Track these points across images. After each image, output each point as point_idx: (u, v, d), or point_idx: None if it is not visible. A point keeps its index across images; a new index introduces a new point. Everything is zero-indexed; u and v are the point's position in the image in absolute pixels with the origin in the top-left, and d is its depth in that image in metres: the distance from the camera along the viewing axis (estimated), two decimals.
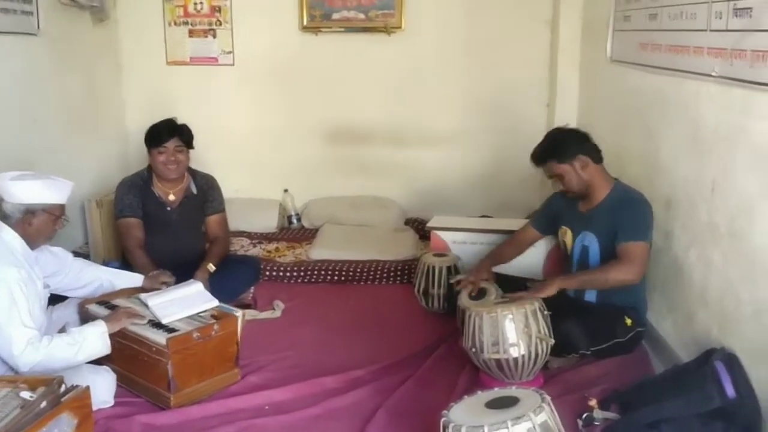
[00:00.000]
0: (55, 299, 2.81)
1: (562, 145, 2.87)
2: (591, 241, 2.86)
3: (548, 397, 1.96)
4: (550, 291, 2.67)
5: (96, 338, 2.47)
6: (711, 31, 2.55)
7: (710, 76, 2.55)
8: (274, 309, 3.43)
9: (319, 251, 4.09)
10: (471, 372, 2.75)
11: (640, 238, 2.72)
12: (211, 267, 3.25)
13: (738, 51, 2.34)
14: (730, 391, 2.21)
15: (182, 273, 3.08)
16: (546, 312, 2.61)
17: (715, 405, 2.22)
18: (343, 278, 3.85)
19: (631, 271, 2.69)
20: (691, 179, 2.75)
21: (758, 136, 2.26)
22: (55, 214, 2.54)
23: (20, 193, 2.45)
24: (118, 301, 2.85)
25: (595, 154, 2.87)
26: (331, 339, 3.15)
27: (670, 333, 2.92)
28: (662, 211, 2.98)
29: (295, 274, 3.85)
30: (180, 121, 3.43)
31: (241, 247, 4.20)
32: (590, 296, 2.87)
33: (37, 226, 2.49)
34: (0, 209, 2.46)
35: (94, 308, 2.80)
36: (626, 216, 2.77)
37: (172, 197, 3.43)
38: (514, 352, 2.53)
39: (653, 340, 2.98)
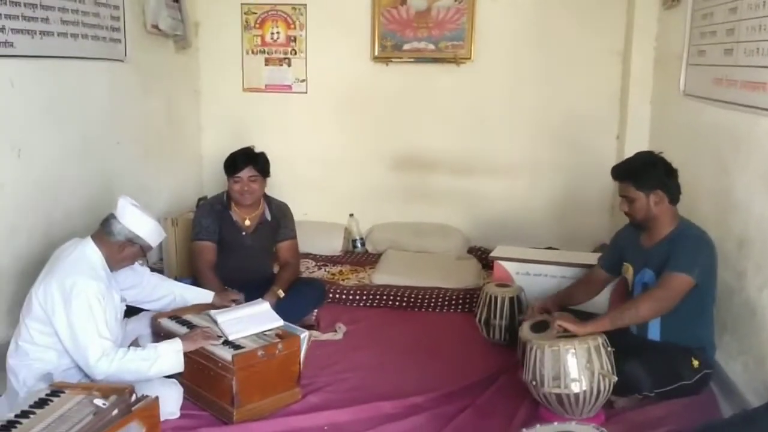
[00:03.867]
0: (128, 312, 2.93)
1: (646, 173, 2.79)
2: (650, 278, 2.80)
3: None
4: (579, 330, 2.60)
5: (171, 355, 2.57)
6: None
7: None
8: (336, 331, 3.48)
9: (381, 276, 4.14)
10: (530, 405, 2.72)
11: (683, 270, 2.63)
12: (281, 293, 3.32)
13: None
14: None
15: (250, 294, 3.17)
16: (609, 348, 2.57)
17: None
18: (404, 304, 3.88)
19: (661, 299, 2.63)
20: (765, 218, 2.68)
21: None
22: (144, 252, 2.72)
23: (134, 221, 2.62)
24: (189, 317, 2.96)
25: (674, 193, 2.79)
26: (390, 364, 3.17)
27: (740, 376, 2.82)
28: (735, 250, 2.91)
29: (357, 297, 3.91)
30: (257, 149, 3.54)
31: (306, 269, 4.30)
32: (654, 334, 2.80)
33: (127, 254, 2.65)
34: (109, 224, 2.62)
35: (166, 322, 2.92)
36: (679, 248, 2.70)
37: (248, 222, 3.54)
38: (576, 388, 2.50)
39: (722, 382, 2.88)
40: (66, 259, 2.56)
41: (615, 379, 2.52)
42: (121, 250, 2.62)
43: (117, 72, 3.79)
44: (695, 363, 2.72)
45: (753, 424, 2.28)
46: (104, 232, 2.62)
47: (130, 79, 3.94)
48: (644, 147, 4.23)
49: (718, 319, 2.88)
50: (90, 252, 2.59)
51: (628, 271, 2.95)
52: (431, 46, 4.72)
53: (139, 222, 2.62)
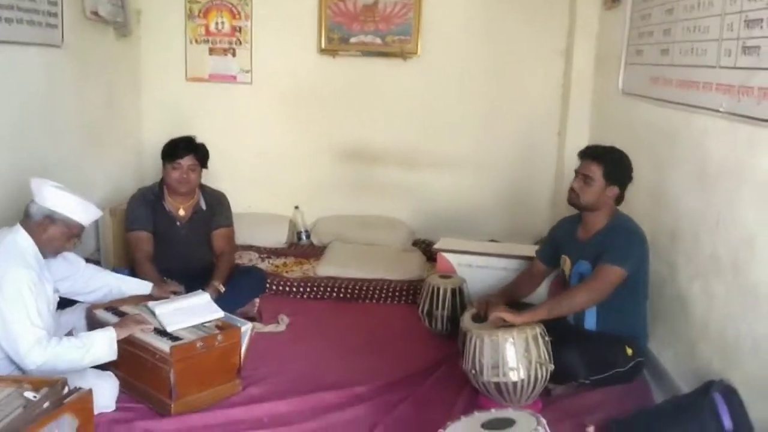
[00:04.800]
0: (63, 304, 2.85)
1: (619, 166, 2.88)
2: (586, 270, 2.87)
3: (543, 420, 1.98)
4: (516, 320, 2.65)
5: (104, 343, 2.51)
6: (720, 67, 2.60)
7: (718, 111, 2.59)
8: (278, 323, 3.46)
9: (326, 268, 4.13)
10: (470, 394, 2.76)
11: (616, 263, 2.72)
12: (221, 287, 3.26)
13: (746, 88, 2.38)
14: (727, 423, 2.21)
15: (190, 286, 3.12)
16: (547, 338, 2.62)
17: None
18: (348, 296, 3.88)
19: (596, 289, 2.72)
20: (697, 212, 2.78)
21: (763, 171, 2.30)
22: (72, 231, 2.58)
23: (51, 198, 2.52)
24: (126, 308, 2.89)
25: (622, 197, 2.91)
26: (333, 355, 3.17)
27: (672, 363, 2.92)
28: (667, 242, 3.01)
29: (301, 289, 3.89)
30: (198, 139, 3.48)
31: (249, 260, 4.25)
32: (590, 323, 2.88)
33: (51, 234, 2.53)
34: (27, 207, 2.54)
35: (101, 314, 2.84)
36: (613, 241, 2.79)
37: (182, 212, 3.47)
38: (514, 376, 2.54)
39: (654, 370, 2.98)
40: None
41: (552, 367, 2.58)
42: (44, 230, 2.52)
43: (53, 58, 3.67)
44: (629, 351, 2.80)
45: (682, 410, 2.38)
46: (26, 216, 2.54)
47: (67, 65, 3.82)
48: (584, 143, 4.31)
49: (651, 309, 2.97)
50: (20, 240, 2.50)
51: (566, 263, 3.02)
52: (378, 40, 4.73)
53: (54, 198, 2.52)
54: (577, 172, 2.94)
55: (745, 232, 2.39)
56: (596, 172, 2.86)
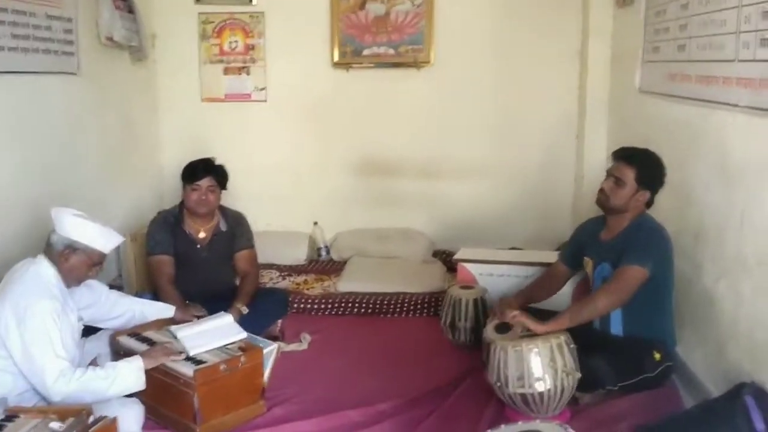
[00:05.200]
0: (87, 332, 2.86)
1: (651, 170, 2.83)
2: (608, 272, 2.82)
3: (572, 431, 1.93)
4: (539, 329, 2.61)
5: (131, 373, 2.50)
6: (739, 61, 2.54)
7: (738, 106, 2.53)
8: (301, 341, 3.45)
9: (346, 284, 4.11)
10: (497, 406, 2.72)
11: (637, 263, 2.67)
12: (244, 309, 3.26)
13: (766, 81, 2.32)
14: (759, 426, 2.15)
15: (213, 307, 3.11)
16: (572, 345, 2.58)
17: None
18: (370, 311, 3.86)
19: (615, 291, 2.67)
20: (720, 210, 2.72)
21: None
22: (93, 259, 2.59)
23: (71, 227, 2.53)
24: (149, 334, 2.90)
25: (651, 201, 2.86)
26: (356, 372, 3.15)
27: (701, 367, 2.85)
28: (691, 242, 2.95)
29: (323, 306, 3.88)
30: (217, 160, 3.50)
31: (270, 279, 4.26)
32: (616, 329, 2.83)
33: (73, 264, 2.55)
34: (49, 238, 2.56)
35: (125, 340, 2.85)
36: (633, 241, 2.74)
37: (202, 234, 3.49)
38: (540, 387, 2.51)
39: (683, 374, 2.92)
40: (19, 279, 2.49)
41: (578, 375, 2.53)
42: (66, 260, 2.53)
43: (71, 86, 3.72)
44: (657, 356, 2.74)
45: (713, 415, 2.32)
46: (47, 246, 2.56)
47: (84, 92, 3.87)
48: (603, 145, 4.31)
49: (678, 311, 2.91)
50: (43, 270, 2.52)
51: (588, 265, 2.97)
52: (391, 51, 4.72)
53: (74, 227, 2.53)
54: (608, 172, 2.88)
55: None
56: (629, 174, 2.80)
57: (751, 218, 2.47)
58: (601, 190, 2.87)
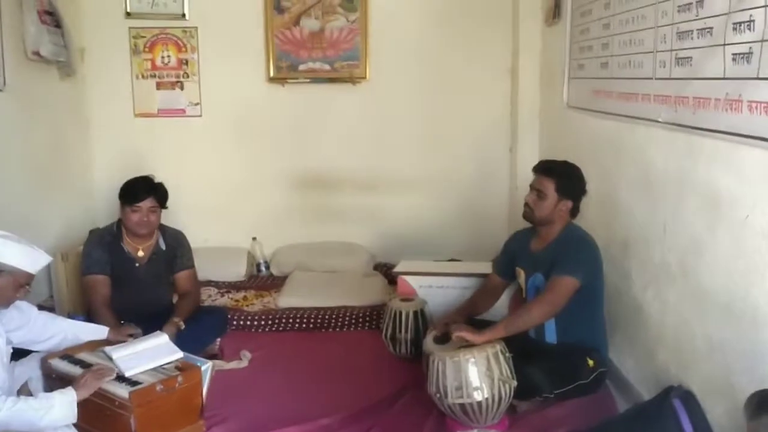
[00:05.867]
0: (17, 355, 2.76)
1: (571, 181, 2.94)
2: (541, 282, 2.92)
3: None
4: (476, 339, 2.66)
5: (64, 407, 2.39)
6: (656, 79, 2.68)
7: (657, 121, 2.66)
8: (240, 359, 3.41)
9: (287, 299, 4.09)
10: (437, 417, 2.76)
11: (568, 273, 2.77)
12: (181, 323, 3.20)
13: (681, 98, 2.46)
14: (687, 428, 2.25)
15: (148, 327, 3.03)
16: (508, 354, 2.64)
17: None
18: (311, 326, 3.85)
19: (549, 302, 2.75)
20: (645, 221, 2.84)
21: (702, 178, 2.37)
22: (20, 281, 2.49)
23: None
24: (82, 355, 2.81)
25: (576, 210, 2.96)
26: (298, 387, 3.14)
27: (632, 372, 2.97)
28: (620, 252, 3.07)
29: (263, 323, 3.84)
30: (156, 178, 3.43)
31: (208, 297, 4.19)
32: (551, 337, 2.92)
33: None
34: None
35: (56, 363, 2.76)
36: (563, 252, 2.85)
37: (141, 253, 3.42)
38: (478, 396, 2.56)
39: (616, 379, 3.03)
40: None
41: (515, 383, 2.60)
42: None
43: None
44: (590, 362, 2.84)
45: (644, 418, 2.42)
46: None
47: (10, 108, 3.74)
48: (535, 158, 4.39)
49: (609, 318, 3.02)
50: None
51: (521, 275, 3.06)
52: (327, 66, 4.75)
53: None
54: (531, 186, 2.99)
55: (691, 238, 2.46)
56: (549, 186, 2.91)
57: (673, 228, 2.59)
58: (526, 204, 2.99)
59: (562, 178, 2.93)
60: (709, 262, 2.33)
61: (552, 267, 2.81)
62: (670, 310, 2.62)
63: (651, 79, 2.72)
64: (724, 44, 2.15)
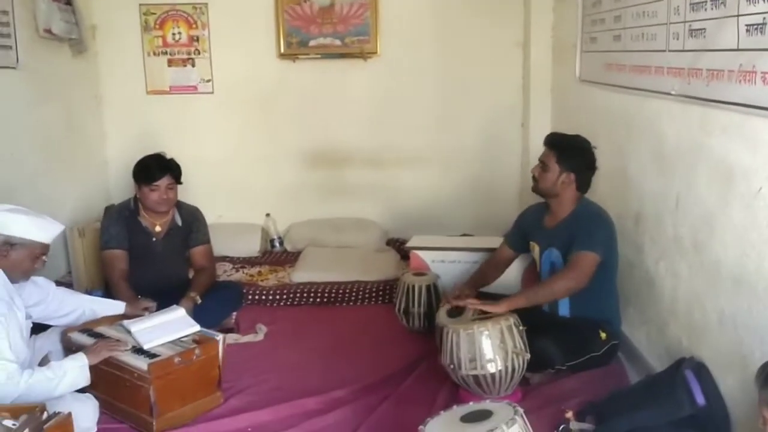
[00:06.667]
0: (37, 329, 2.82)
1: (571, 152, 2.95)
2: (557, 257, 2.93)
3: (521, 410, 2.01)
4: (497, 309, 2.70)
5: (76, 371, 2.47)
6: (669, 51, 2.66)
7: (670, 94, 2.65)
8: (256, 332, 3.46)
9: (301, 274, 4.13)
10: (450, 389, 2.80)
11: (590, 248, 2.78)
12: (197, 298, 3.25)
13: (694, 70, 2.44)
14: (699, 399, 2.28)
15: (165, 302, 3.08)
16: (521, 327, 2.66)
17: (685, 413, 2.28)
18: (325, 300, 3.90)
19: (574, 278, 2.77)
20: (658, 194, 2.84)
21: (716, 151, 2.36)
22: (35, 252, 2.53)
23: (4, 223, 2.47)
24: (101, 329, 2.88)
25: (583, 183, 2.96)
26: (312, 360, 3.19)
27: (644, 344, 2.99)
28: (632, 225, 3.07)
29: (277, 297, 3.89)
30: (167, 154, 3.47)
31: (223, 272, 4.24)
32: (564, 310, 2.94)
33: (14, 259, 2.48)
34: None
35: (76, 336, 2.82)
36: (582, 227, 2.85)
37: (158, 228, 3.46)
38: (491, 368, 2.58)
39: (628, 351, 3.05)
40: None
41: (528, 356, 2.62)
42: (5, 256, 2.46)
43: (9, 80, 3.62)
44: (603, 335, 2.86)
45: (656, 389, 2.44)
46: None
47: (23, 86, 3.77)
48: (547, 133, 4.40)
49: (622, 292, 3.04)
50: None
51: (535, 250, 3.07)
52: (337, 42, 4.74)
53: (7, 222, 2.46)
54: (539, 159, 3.01)
55: (703, 212, 2.45)
56: (551, 159, 2.94)
57: (685, 201, 2.59)
58: (533, 176, 3.01)
59: (564, 151, 2.94)
60: (722, 235, 2.33)
61: (570, 243, 2.82)
62: (683, 283, 2.63)
63: (664, 51, 2.70)
64: (738, 15, 2.14)
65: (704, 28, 2.37)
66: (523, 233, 3.18)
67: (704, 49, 2.37)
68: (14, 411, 2.13)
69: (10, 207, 2.53)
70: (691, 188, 2.54)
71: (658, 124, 2.81)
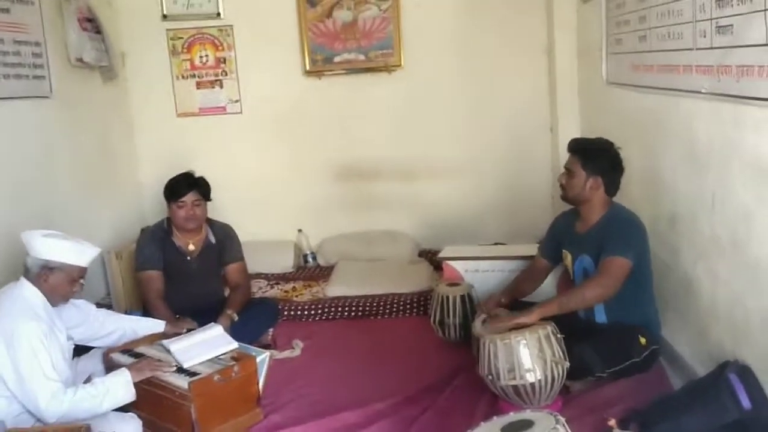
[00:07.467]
0: (79, 350, 2.88)
1: (596, 157, 2.91)
2: (589, 264, 2.90)
3: (562, 419, 1.99)
4: (527, 319, 2.68)
5: (120, 387, 2.53)
6: (697, 49, 2.62)
7: (700, 93, 2.61)
8: (293, 348, 3.48)
9: (335, 288, 4.15)
10: (490, 399, 2.77)
11: (620, 254, 2.74)
12: (234, 315, 3.30)
13: (724, 67, 2.41)
14: (745, 402, 2.23)
15: (202, 320, 3.13)
16: (559, 335, 2.63)
17: (731, 417, 2.24)
18: (360, 313, 3.91)
19: (604, 284, 2.73)
20: (692, 194, 2.80)
21: (750, 148, 2.32)
22: (73, 275, 2.59)
23: (42, 248, 2.54)
24: (141, 349, 2.92)
25: (612, 186, 2.92)
26: (350, 374, 3.19)
27: (685, 348, 2.94)
28: (667, 227, 3.03)
29: (312, 312, 3.92)
30: (196, 173, 3.53)
31: (258, 289, 4.27)
32: (600, 317, 2.90)
33: (53, 283, 2.55)
34: (24, 262, 2.57)
35: (118, 357, 2.87)
36: (612, 233, 2.82)
37: (191, 247, 3.52)
38: (531, 378, 2.56)
39: (670, 356, 3.00)
40: (3, 303, 2.50)
41: (567, 364, 2.59)
42: (45, 280, 2.53)
43: (44, 109, 3.71)
44: (642, 340, 2.80)
45: (701, 394, 2.39)
46: (26, 270, 2.57)
47: (58, 115, 3.86)
48: (576, 137, 4.38)
49: (660, 295, 2.99)
50: (27, 293, 2.53)
51: (567, 258, 3.04)
52: (361, 57, 4.77)
53: (45, 248, 2.54)
54: (564, 166, 2.99)
55: (740, 210, 2.41)
56: (576, 164, 2.92)
57: (721, 200, 2.55)
58: (560, 184, 2.98)
59: (589, 154, 2.91)
60: (760, 233, 2.28)
61: (601, 249, 2.79)
62: (722, 284, 2.58)
63: (692, 49, 2.67)
64: (765, 9, 2.10)
65: (732, 24, 2.34)
66: (556, 242, 3.15)
67: (733, 45, 2.34)
68: (59, 431, 2.17)
69: (47, 232, 2.60)
70: (727, 186, 2.50)
71: (689, 123, 2.77)
